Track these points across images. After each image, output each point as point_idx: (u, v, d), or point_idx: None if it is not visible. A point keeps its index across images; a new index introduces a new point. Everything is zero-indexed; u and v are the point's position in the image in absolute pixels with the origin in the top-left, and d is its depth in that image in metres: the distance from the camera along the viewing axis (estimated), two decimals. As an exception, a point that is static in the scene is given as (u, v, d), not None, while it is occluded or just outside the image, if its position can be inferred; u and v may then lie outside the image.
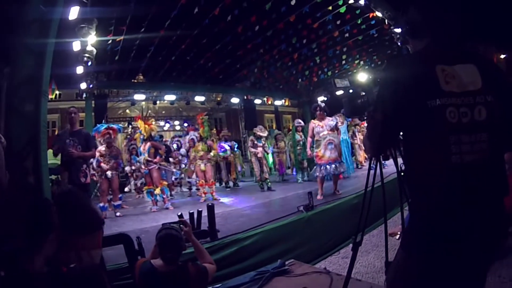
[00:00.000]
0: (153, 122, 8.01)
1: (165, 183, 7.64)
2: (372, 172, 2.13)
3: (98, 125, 7.55)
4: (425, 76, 1.43)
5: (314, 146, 6.86)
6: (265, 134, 9.59)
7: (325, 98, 16.64)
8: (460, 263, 1.40)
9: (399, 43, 8.56)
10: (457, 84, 1.41)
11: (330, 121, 6.80)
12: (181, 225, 2.81)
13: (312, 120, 7.08)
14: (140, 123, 7.65)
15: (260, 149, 9.32)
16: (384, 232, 2.14)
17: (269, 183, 9.12)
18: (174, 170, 8.71)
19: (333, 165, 6.53)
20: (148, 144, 7.38)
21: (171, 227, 2.61)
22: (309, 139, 7.06)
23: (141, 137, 7.57)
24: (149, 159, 7.23)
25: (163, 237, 2.48)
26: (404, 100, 1.44)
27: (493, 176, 1.41)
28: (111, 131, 6.94)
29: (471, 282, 1.46)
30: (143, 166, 7.37)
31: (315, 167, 7.24)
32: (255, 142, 9.41)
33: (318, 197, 6.43)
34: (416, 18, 1.62)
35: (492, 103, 1.40)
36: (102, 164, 6.76)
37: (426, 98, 1.40)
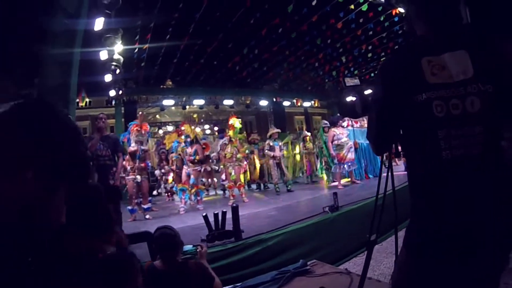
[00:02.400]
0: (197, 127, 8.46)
1: (202, 187, 7.97)
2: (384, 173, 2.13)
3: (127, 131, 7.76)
4: (410, 71, 1.38)
5: (336, 149, 8.60)
6: (274, 131, 9.78)
7: (354, 98, 16.40)
8: (458, 265, 1.33)
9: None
10: (446, 75, 1.33)
11: (345, 130, 8.98)
12: (198, 248, 2.95)
13: (332, 129, 8.83)
14: (186, 127, 7.97)
15: (277, 151, 9.40)
16: (395, 231, 2.14)
17: (290, 185, 9.27)
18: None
19: (350, 164, 8.61)
20: (195, 146, 7.77)
21: (165, 227, 2.73)
22: (330, 144, 8.71)
23: (188, 140, 7.83)
24: (191, 158, 7.64)
25: (158, 237, 2.60)
26: (392, 96, 1.41)
27: (492, 172, 1.29)
28: (139, 128, 7.06)
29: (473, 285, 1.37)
30: (186, 167, 7.85)
31: (335, 165, 8.76)
32: (271, 144, 9.49)
33: (339, 186, 8.27)
34: (409, 13, 1.60)
35: (486, 92, 1.30)
36: (129, 176, 6.95)
37: (412, 93, 1.35)
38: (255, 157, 10.67)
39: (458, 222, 1.29)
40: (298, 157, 11.57)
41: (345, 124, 9.07)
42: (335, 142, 8.59)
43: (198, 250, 2.95)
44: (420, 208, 1.42)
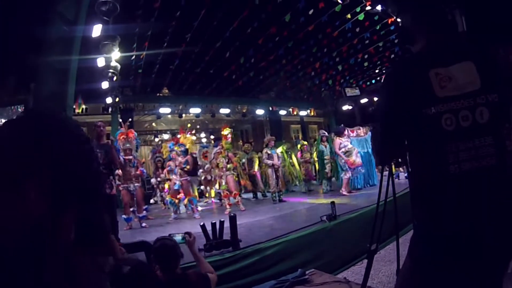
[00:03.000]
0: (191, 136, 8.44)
1: (195, 194, 7.91)
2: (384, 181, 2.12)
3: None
4: (418, 84, 1.36)
5: (345, 155, 8.73)
6: (271, 139, 9.79)
7: (350, 107, 16.46)
8: (460, 273, 1.32)
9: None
10: (454, 87, 1.32)
11: (347, 138, 9.18)
12: (186, 236, 2.89)
13: (338, 137, 8.94)
14: (188, 138, 8.03)
15: (275, 160, 9.37)
16: (396, 240, 2.12)
17: (281, 195, 9.28)
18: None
19: (360, 168, 8.88)
20: (188, 157, 7.79)
21: (164, 238, 2.68)
22: (338, 151, 8.85)
23: (182, 149, 7.84)
24: (182, 166, 7.59)
25: (158, 248, 2.55)
26: (399, 109, 1.40)
27: (504, 182, 1.29)
28: (125, 135, 7.05)
29: None
30: (175, 177, 7.72)
31: (345, 171, 8.76)
32: (269, 153, 9.44)
33: (344, 192, 8.46)
34: (407, 23, 1.58)
35: (493, 102, 1.30)
36: (120, 186, 6.87)
37: (421, 106, 1.33)
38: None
39: (459, 230, 1.29)
40: (297, 165, 11.52)
41: None
42: (343, 149, 8.80)
43: (186, 239, 2.89)
44: (423, 217, 1.41)
